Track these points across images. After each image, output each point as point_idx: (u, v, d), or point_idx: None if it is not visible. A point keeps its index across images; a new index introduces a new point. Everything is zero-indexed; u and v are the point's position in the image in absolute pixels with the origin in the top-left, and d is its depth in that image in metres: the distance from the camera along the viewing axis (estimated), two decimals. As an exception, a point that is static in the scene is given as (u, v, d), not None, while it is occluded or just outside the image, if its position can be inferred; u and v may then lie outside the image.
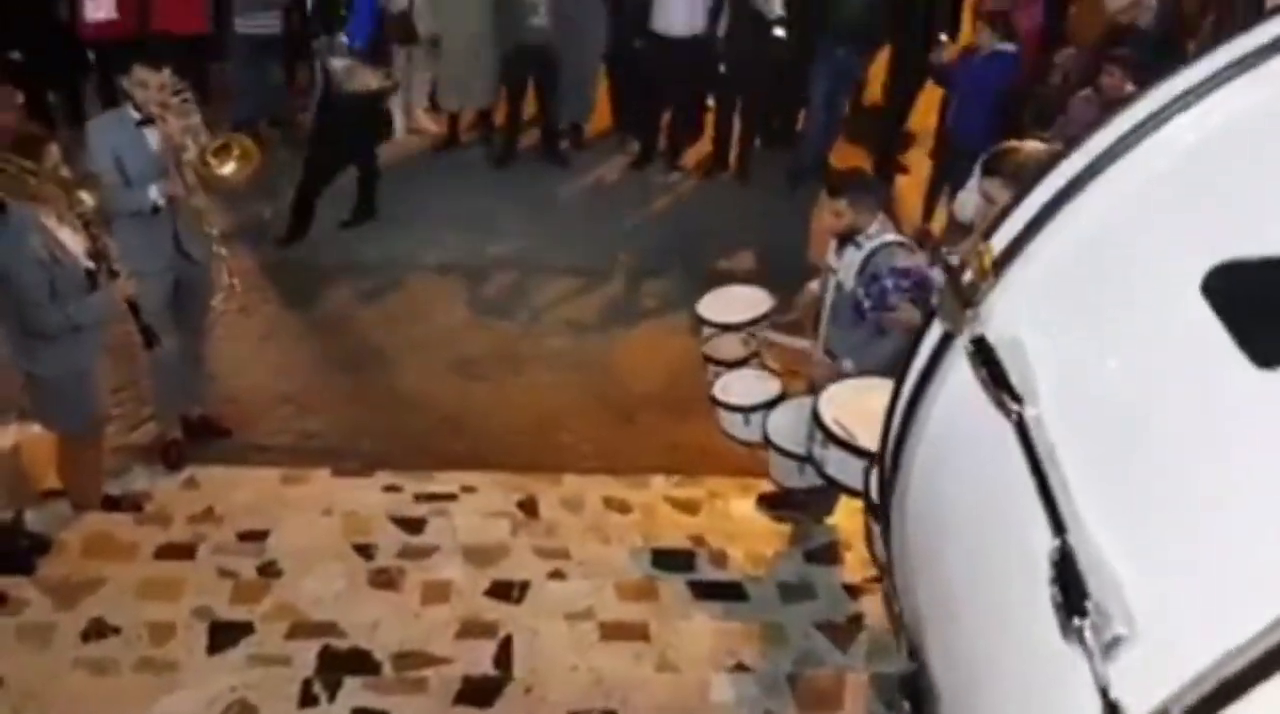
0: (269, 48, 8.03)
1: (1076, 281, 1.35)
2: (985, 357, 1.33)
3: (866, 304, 4.35)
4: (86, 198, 4.07)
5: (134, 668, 3.71)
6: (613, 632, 4.13)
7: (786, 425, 4.50)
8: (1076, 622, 1.09)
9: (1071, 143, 1.38)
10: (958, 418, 1.44)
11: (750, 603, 4.50)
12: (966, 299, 1.38)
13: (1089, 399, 1.27)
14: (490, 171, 8.34)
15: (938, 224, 7.73)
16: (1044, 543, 1.17)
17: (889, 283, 4.25)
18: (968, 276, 1.38)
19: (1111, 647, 1.08)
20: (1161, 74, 1.38)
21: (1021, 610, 1.20)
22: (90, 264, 4.20)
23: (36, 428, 4.68)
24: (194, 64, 7.53)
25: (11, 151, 3.88)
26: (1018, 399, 1.29)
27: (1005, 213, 1.43)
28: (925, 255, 4.54)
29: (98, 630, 3.88)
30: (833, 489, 4.20)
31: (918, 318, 4.12)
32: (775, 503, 5.30)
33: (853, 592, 4.59)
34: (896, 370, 4.37)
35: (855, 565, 4.81)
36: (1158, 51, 6.84)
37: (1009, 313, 1.37)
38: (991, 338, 1.35)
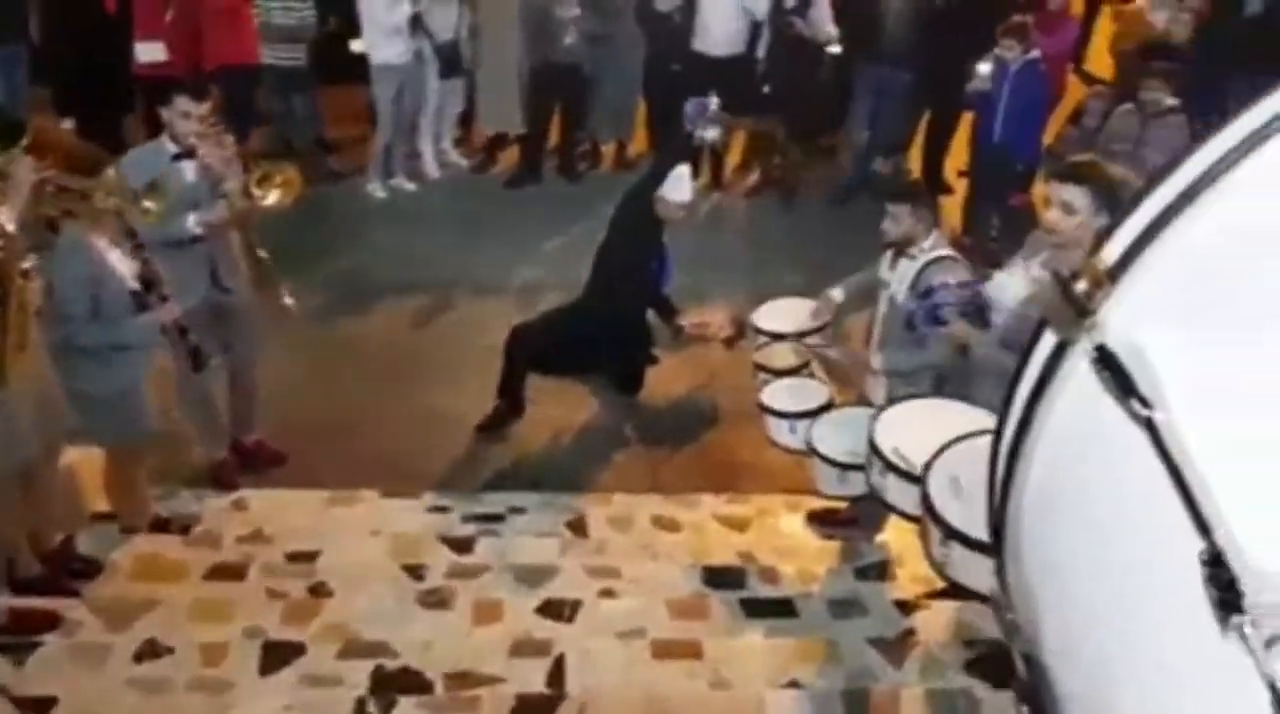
0: (293, 78, 8.09)
1: (1196, 286, 1.35)
2: (1109, 364, 1.34)
3: (919, 318, 4.30)
4: (143, 213, 4.11)
5: (187, 688, 3.70)
6: (665, 650, 4.07)
7: (831, 434, 4.46)
8: (1235, 619, 1.11)
9: (1180, 155, 1.38)
10: (1078, 429, 1.45)
11: (802, 619, 4.44)
12: (1082, 308, 1.39)
13: (1219, 399, 1.28)
14: (530, 192, 8.38)
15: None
16: (1189, 545, 1.17)
17: (942, 297, 4.19)
18: (1081, 285, 1.39)
19: (1274, 642, 1.09)
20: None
21: (1173, 612, 1.21)
22: (136, 286, 4.25)
23: (86, 451, 4.72)
24: (239, 93, 7.65)
25: (67, 169, 3.92)
26: (1147, 404, 1.29)
27: (1117, 223, 1.44)
28: (975, 270, 4.49)
29: (151, 651, 3.87)
30: (882, 506, 4.13)
31: (969, 333, 4.08)
32: (825, 520, 5.26)
33: (905, 608, 4.52)
34: (935, 382, 4.31)
35: (906, 582, 4.74)
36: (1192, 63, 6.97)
37: (1126, 320, 1.37)
38: (1111, 344, 1.36)
